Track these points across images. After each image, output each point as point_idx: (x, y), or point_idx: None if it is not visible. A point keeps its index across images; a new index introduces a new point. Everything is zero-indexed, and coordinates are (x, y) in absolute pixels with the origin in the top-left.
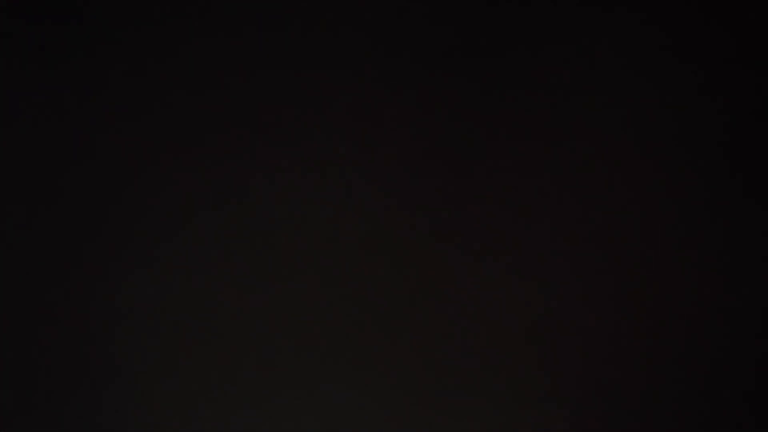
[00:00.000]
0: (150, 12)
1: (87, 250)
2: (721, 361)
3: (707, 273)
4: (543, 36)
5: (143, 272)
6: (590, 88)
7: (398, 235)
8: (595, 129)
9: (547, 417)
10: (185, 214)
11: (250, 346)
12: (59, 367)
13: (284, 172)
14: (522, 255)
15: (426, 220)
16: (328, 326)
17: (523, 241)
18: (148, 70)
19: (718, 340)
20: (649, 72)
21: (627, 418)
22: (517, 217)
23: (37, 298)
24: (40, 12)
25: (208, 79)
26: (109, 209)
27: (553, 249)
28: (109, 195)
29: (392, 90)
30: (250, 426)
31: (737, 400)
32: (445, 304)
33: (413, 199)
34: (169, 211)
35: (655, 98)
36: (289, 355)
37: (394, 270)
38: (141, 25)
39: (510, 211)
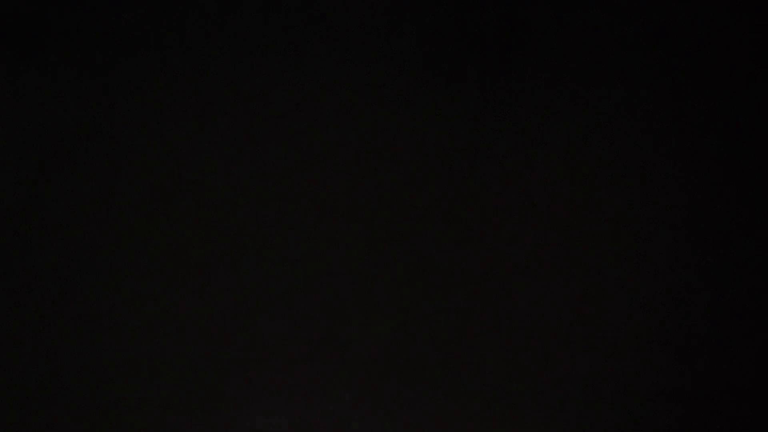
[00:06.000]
0: (148, 10)
1: (83, 250)
2: (721, 361)
3: (707, 273)
4: (545, 34)
5: (142, 271)
6: (592, 86)
7: (398, 235)
8: (597, 128)
9: (549, 417)
10: (184, 213)
11: (250, 346)
12: (57, 367)
13: (284, 171)
14: (523, 255)
15: (425, 219)
16: (328, 326)
17: (524, 241)
18: (146, 69)
19: (718, 340)
20: (651, 71)
21: (628, 419)
22: (518, 216)
23: (36, 297)
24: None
25: (207, 78)
26: (106, 208)
27: (554, 249)
28: (107, 194)
29: (391, 88)
30: (248, 426)
31: (738, 401)
32: (445, 305)
33: (413, 200)
34: (169, 210)
35: (657, 98)
36: (289, 357)
37: (393, 270)
38: (139, 22)
39: (511, 211)
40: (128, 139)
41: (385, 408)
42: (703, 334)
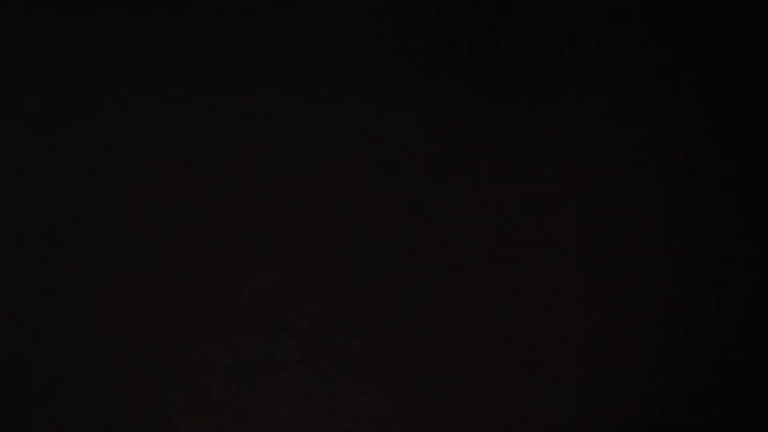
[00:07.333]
0: (150, 9)
1: (82, 249)
2: (720, 361)
3: (707, 274)
4: (544, 34)
5: (144, 271)
6: (592, 87)
7: (397, 234)
8: (596, 129)
9: (548, 417)
10: (186, 211)
11: (250, 347)
12: (55, 367)
13: (286, 170)
14: (522, 255)
15: (425, 219)
16: (328, 327)
17: (523, 242)
18: (146, 67)
19: (716, 341)
20: (649, 72)
21: (627, 419)
22: (517, 217)
23: (35, 296)
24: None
25: (208, 77)
26: (107, 206)
27: (554, 250)
28: (107, 192)
29: (392, 90)
30: (247, 426)
31: (736, 401)
32: (445, 304)
33: (413, 200)
34: (170, 209)
35: (656, 99)
36: (288, 357)
37: (393, 270)
38: (140, 20)
39: (511, 211)
40: (126, 137)
41: (385, 409)
42: (704, 334)
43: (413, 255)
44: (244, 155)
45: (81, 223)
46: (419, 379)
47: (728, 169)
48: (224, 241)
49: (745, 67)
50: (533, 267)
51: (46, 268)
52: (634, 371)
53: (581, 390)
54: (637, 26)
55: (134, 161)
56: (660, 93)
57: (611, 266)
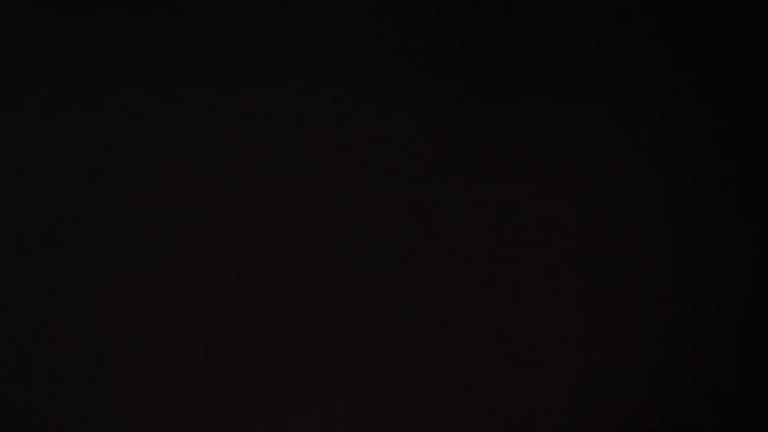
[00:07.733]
0: (150, 9)
1: (82, 250)
2: (720, 361)
3: (706, 274)
4: (544, 39)
5: (144, 272)
6: (591, 89)
7: (397, 234)
8: (596, 129)
9: (545, 416)
10: (185, 212)
11: (250, 348)
12: (52, 366)
13: (286, 170)
14: (522, 255)
15: (425, 219)
16: (328, 327)
17: (523, 242)
18: (147, 67)
19: (716, 341)
20: (649, 72)
21: (627, 419)
22: (517, 217)
23: (35, 296)
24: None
25: (208, 77)
26: (107, 206)
27: (554, 250)
28: (107, 192)
29: (392, 90)
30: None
31: (736, 401)
32: (445, 304)
33: (413, 200)
34: (170, 209)
35: (656, 99)
36: (287, 358)
37: (393, 270)
38: (142, 20)
39: (511, 211)
40: (126, 137)
41: (384, 409)
42: (704, 334)
43: (413, 255)
44: (244, 155)
45: (81, 224)
46: (419, 379)
47: (728, 169)
48: (224, 241)
49: (745, 67)
50: (533, 267)
51: (46, 268)
52: (634, 371)
53: (581, 390)
54: (637, 26)
55: (134, 161)
56: (660, 93)
57: (611, 266)
